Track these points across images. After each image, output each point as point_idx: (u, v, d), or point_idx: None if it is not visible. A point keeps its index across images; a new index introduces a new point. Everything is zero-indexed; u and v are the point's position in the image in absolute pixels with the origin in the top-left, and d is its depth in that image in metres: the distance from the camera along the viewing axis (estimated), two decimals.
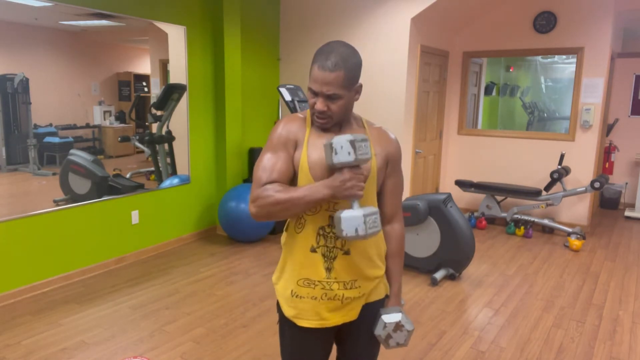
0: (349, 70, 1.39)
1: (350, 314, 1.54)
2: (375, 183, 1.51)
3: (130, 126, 4.30)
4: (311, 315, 1.52)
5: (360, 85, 1.47)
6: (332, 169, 1.41)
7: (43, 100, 3.60)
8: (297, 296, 1.52)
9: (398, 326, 1.52)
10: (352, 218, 1.34)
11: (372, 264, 1.54)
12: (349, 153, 1.33)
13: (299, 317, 1.53)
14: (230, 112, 4.97)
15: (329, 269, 1.49)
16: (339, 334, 1.63)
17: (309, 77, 1.48)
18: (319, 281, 1.49)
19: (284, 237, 1.59)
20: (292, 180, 1.49)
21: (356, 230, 1.34)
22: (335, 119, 1.46)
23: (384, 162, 1.53)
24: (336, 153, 1.34)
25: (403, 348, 2.93)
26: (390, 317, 1.53)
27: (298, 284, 1.51)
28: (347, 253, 1.49)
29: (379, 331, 1.54)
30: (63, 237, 3.80)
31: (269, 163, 1.45)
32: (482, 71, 6.81)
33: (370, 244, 1.52)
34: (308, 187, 1.38)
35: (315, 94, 1.42)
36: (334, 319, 1.53)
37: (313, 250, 1.48)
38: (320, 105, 1.41)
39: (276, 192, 1.39)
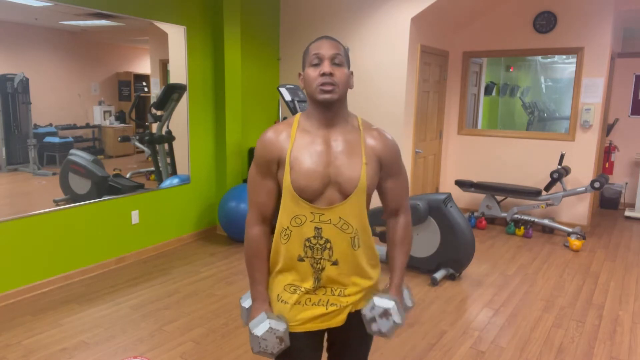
0: (344, 48, 1.47)
1: (336, 320, 1.52)
2: (364, 195, 1.46)
3: (130, 126, 4.30)
4: (298, 320, 1.50)
5: (352, 73, 1.49)
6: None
7: (43, 100, 3.60)
8: (282, 301, 1.51)
9: (386, 313, 1.47)
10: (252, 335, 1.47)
11: (363, 273, 1.51)
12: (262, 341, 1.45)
13: (288, 320, 1.51)
14: (230, 112, 4.97)
15: (317, 279, 1.47)
16: (328, 338, 1.63)
17: (305, 63, 1.48)
18: (305, 287, 1.48)
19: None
20: (278, 197, 1.50)
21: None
22: (339, 92, 1.42)
23: (377, 167, 1.49)
24: (257, 339, 1.45)
25: (403, 347, 2.93)
26: (382, 301, 1.48)
27: (285, 289, 1.50)
28: (335, 264, 1.46)
29: (365, 311, 1.50)
30: (63, 237, 3.80)
31: (254, 192, 1.51)
32: (482, 71, 6.81)
33: (361, 253, 1.50)
34: (255, 287, 1.54)
35: (320, 59, 1.42)
36: (320, 324, 1.51)
37: (301, 260, 1.47)
38: (327, 67, 1.40)
39: (247, 253, 1.54)
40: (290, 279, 1.49)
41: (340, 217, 1.44)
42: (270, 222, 1.54)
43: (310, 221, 1.44)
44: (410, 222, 1.62)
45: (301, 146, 1.43)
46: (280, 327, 1.45)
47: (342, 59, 1.43)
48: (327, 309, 1.50)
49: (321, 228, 1.44)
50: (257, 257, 1.53)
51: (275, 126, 1.49)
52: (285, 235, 1.47)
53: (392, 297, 1.52)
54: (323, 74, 1.40)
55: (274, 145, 1.45)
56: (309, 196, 1.42)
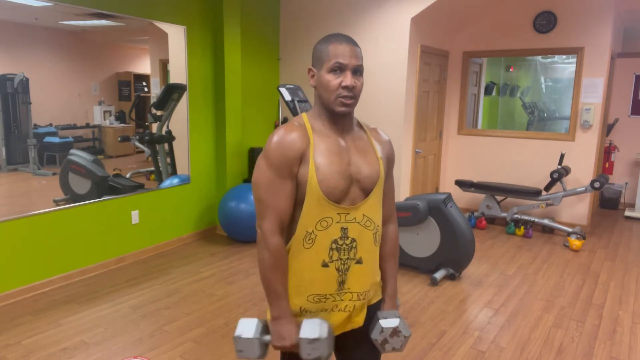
0: (361, 52, 1.42)
1: (355, 321, 1.52)
2: (382, 190, 1.49)
3: (130, 126, 4.30)
4: None
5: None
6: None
7: (43, 100, 3.60)
8: (306, 311, 1.46)
9: (395, 332, 1.49)
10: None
11: (376, 269, 1.54)
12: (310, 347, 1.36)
13: None
14: (230, 112, 4.97)
15: (342, 282, 1.44)
16: (340, 340, 1.59)
17: (321, 63, 1.39)
18: (330, 294, 1.45)
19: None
20: (295, 200, 1.41)
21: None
22: (356, 102, 1.41)
23: (387, 165, 1.53)
24: (306, 341, 1.36)
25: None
26: (388, 322, 1.50)
27: (308, 300, 1.45)
28: (359, 262, 1.45)
29: (375, 335, 1.51)
30: (63, 237, 3.80)
31: (273, 196, 1.38)
32: (482, 71, 6.81)
33: (378, 249, 1.53)
34: (279, 303, 1.41)
35: (341, 69, 1.36)
36: (341, 328, 1.52)
37: (325, 265, 1.42)
38: (350, 80, 1.35)
39: (268, 265, 1.40)
40: (312, 289, 1.44)
41: (364, 215, 1.44)
42: (286, 230, 1.44)
43: (337, 222, 1.41)
44: (397, 230, 1.64)
45: (321, 148, 1.39)
46: (328, 325, 1.41)
47: (363, 69, 1.41)
48: (351, 314, 1.50)
49: (347, 228, 1.42)
50: (280, 269, 1.41)
51: (286, 127, 1.41)
52: (309, 240, 1.41)
53: (394, 312, 1.54)
54: (345, 87, 1.36)
55: (294, 145, 1.37)
56: (336, 197, 1.39)
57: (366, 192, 1.44)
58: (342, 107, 1.38)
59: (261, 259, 1.41)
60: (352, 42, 1.39)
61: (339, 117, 1.43)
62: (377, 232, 1.49)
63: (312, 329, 1.37)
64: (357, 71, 1.38)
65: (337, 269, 1.43)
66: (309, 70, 1.44)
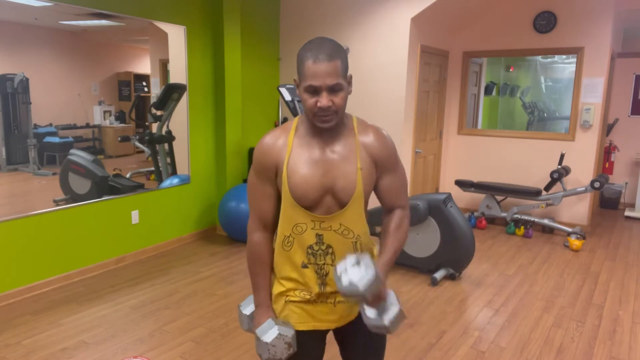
0: (342, 58, 1.34)
1: (344, 319, 1.54)
2: (362, 201, 1.44)
3: (130, 126, 4.30)
4: (304, 319, 1.51)
5: (351, 76, 1.40)
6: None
7: (43, 100, 3.60)
8: (290, 302, 1.51)
9: (358, 262, 1.33)
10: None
11: None
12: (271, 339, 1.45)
13: (294, 321, 1.52)
14: (230, 112, 4.97)
15: (323, 284, 1.47)
16: (338, 336, 1.62)
17: (299, 78, 1.36)
18: (313, 292, 1.49)
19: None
20: (278, 203, 1.48)
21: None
22: (339, 115, 1.37)
23: (372, 168, 1.45)
24: (267, 345, 1.45)
25: (403, 347, 2.93)
26: (354, 255, 1.36)
27: (293, 293, 1.51)
28: None
29: (336, 265, 1.35)
30: (63, 237, 3.80)
31: (254, 198, 1.50)
32: (482, 71, 6.81)
33: (363, 250, 1.50)
34: (258, 293, 1.53)
35: (316, 90, 1.32)
36: (328, 324, 1.53)
37: (304, 266, 1.47)
38: (325, 100, 1.32)
39: (249, 259, 1.54)
40: (296, 284, 1.50)
41: (340, 224, 1.44)
42: (271, 228, 1.52)
43: (311, 228, 1.43)
44: (407, 216, 1.54)
45: (298, 155, 1.41)
46: (289, 332, 1.47)
47: (341, 84, 1.33)
48: (334, 306, 1.51)
49: (322, 235, 1.44)
50: (259, 263, 1.52)
51: (273, 132, 1.46)
52: (288, 243, 1.47)
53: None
54: (320, 108, 1.33)
55: (271, 152, 1.43)
56: (308, 204, 1.41)
57: (342, 204, 1.41)
58: (322, 123, 1.37)
59: (247, 254, 1.56)
60: (328, 57, 1.30)
61: (324, 131, 1.43)
62: (357, 241, 1.47)
63: (265, 329, 1.48)
64: (334, 89, 1.33)
65: (316, 272, 1.47)
66: (294, 80, 1.43)
